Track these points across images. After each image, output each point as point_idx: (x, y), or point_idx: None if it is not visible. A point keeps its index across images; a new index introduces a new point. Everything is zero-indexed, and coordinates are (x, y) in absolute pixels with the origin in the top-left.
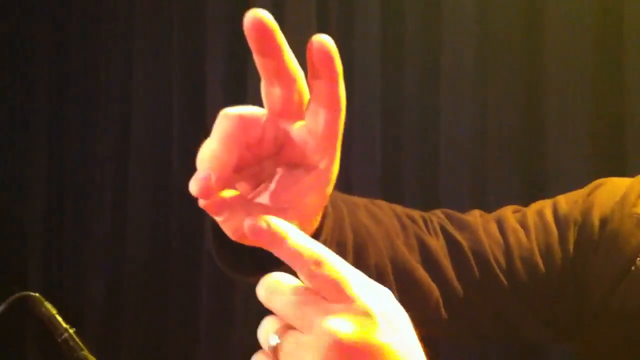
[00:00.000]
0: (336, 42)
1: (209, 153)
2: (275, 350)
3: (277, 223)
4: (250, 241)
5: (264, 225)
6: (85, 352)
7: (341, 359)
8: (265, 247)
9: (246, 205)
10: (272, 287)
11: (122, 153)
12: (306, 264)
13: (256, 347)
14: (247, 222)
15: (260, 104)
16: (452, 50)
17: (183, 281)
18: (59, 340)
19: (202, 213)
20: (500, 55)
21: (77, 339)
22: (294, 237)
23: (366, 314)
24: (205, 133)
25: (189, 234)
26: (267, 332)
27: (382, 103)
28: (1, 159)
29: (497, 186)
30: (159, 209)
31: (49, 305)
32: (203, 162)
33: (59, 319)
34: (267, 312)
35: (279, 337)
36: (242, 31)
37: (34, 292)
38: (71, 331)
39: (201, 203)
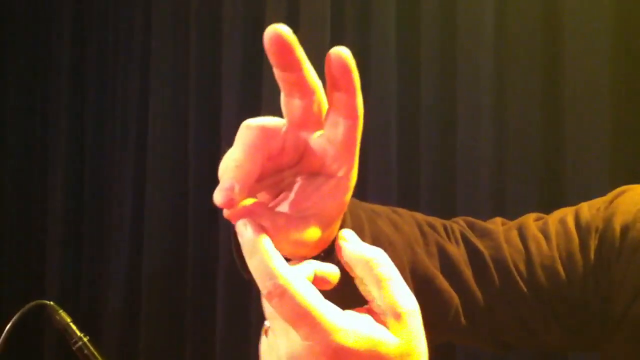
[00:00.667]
0: (352, 51)
1: (233, 163)
2: (266, 331)
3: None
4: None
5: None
6: None
7: None
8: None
9: (268, 213)
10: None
11: (139, 162)
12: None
13: None
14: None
15: (274, 110)
16: (469, 57)
17: (200, 289)
18: (74, 348)
19: (218, 221)
20: (518, 61)
21: (91, 347)
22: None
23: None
24: (221, 142)
25: (205, 242)
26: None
27: (398, 110)
28: (20, 168)
29: (514, 194)
30: (176, 217)
31: (63, 314)
32: (226, 173)
33: (74, 327)
34: None
35: (270, 323)
36: (257, 39)
37: (51, 300)
38: (85, 339)
39: (225, 213)
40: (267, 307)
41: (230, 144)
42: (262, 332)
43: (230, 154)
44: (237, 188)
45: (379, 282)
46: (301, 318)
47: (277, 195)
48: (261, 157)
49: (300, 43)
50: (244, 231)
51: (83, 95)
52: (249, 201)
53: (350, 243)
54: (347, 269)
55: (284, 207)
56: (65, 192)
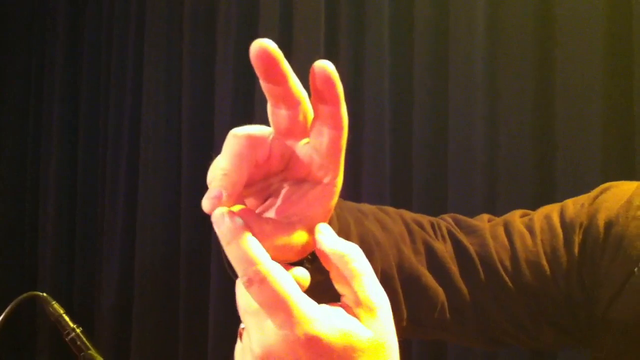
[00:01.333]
0: (345, 52)
1: (220, 172)
2: (240, 334)
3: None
4: None
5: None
6: (92, 352)
7: None
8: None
9: (255, 219)
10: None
11: (132, 160)
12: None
13: None
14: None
15: (266, 114)
16: (461, 58)
17: (192, 284)
18: (67, 339)
19: (210, 218)
20: (510, 62)
21: (84, 338)
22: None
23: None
24: (214, 140)
25: (198, 238)
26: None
27: (391, 110)
28: (14, 164)
29: (506, 195)
30: (168, 214)
31: (56, 305)
32: (214, 181)
33: (67, 318)
34: None
35: (243, 319)
36: (250, 42)
37: (45, 292)
38: (78, 330)
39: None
40: (242, 301)
41: (222, 141)
42: (238, 336)
43: (217, 163)
44: (225, 196)
45: (352, 276)
46: (279, 305)
47: (264, 201)
48: (248, 165)
49: (295, 43)
50: (221, 220)
51: (76, 95)
52: (237, 208)
53: (326, 237)
54: (323, 262)
55: (271, 213)
56: (58, 189)
